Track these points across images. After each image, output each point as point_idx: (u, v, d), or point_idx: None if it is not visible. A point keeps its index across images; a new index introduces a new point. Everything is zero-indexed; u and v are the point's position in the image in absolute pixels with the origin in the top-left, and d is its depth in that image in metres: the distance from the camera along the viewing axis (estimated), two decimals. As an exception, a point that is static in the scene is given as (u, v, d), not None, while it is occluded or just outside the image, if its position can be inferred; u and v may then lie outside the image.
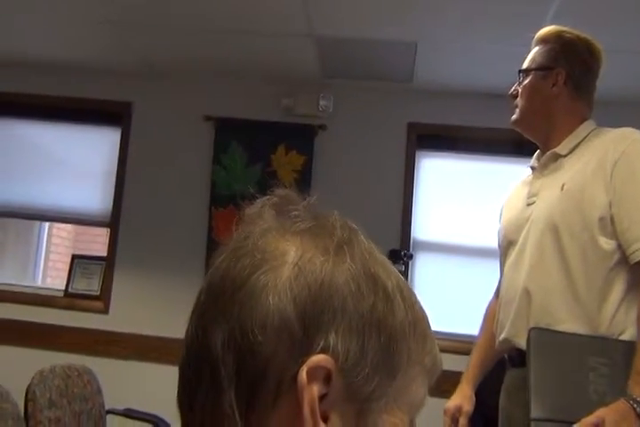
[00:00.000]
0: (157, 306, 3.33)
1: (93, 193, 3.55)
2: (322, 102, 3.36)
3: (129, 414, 2.50)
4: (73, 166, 3.59)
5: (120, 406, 2.54)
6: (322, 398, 0.40)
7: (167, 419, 2.50)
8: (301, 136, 3.39)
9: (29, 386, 2.14)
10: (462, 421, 1.64)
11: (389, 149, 3.35)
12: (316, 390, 0.39)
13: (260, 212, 0.48)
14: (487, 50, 2.81)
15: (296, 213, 0.47)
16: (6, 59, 3.54)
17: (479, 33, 2.66)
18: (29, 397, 2.12)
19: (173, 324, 3.44)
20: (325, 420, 0.40)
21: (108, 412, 2.47)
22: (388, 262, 0.47)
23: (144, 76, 3.54)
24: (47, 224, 4.39)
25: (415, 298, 0.47)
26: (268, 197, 0.50)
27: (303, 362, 0.40)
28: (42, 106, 3.61)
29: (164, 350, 3.24)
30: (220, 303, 0.43)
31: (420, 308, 0.47)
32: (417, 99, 3.36)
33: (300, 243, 0.44)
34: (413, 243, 3.27)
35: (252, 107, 3.45)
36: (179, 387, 0.46)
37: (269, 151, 3.38)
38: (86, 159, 3.59)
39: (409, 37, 2.79)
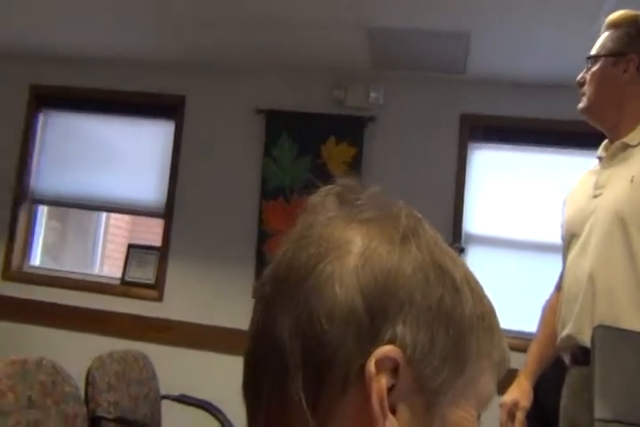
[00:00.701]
0: (209, 295, 3.41)
1: (149, 185, 3.65)
2: (372, 94, 3.34)
3: (183, 399, 2.57)
4: (129, 159, 3.69)
5: (174, 392, 2.61)
6: (389, 389, 0.40)
7: (219, 406, 2.55)
8: (352, 128, 3.38)
9: (89, 370, 2.24)
10: (520, 416, 1.61)
11: (441, 141, 3.31)
12: (384, 381, 0.39)
13: (324, 201, 0.48)
14: (542, 39, 2.73)
15: (360, 202, 0.46)
16: (65, 54, 3.67)
17: (534, 22, 2.58)
18: (89, 380, 2.22)
19: (225, 313, 3.55)
20: (393, 411, 0.40)
21: (163, 397, 2.55)
22: (455, 253, 0.47)
23: (197, 69, 3.60)
24: (105, 215, 4.55)
25: (483, 290, 0.46)
26: (330, 186, 0.49)
27: (371, 353, 0.40)
28: (100, 100, 3.72)
29: (215, 338, 3.31)
30: (286, 293, 0.43)
31: (488, 301, 0.46)
32: (470, 90, 3.30)
33: (365, 232, 0.44)
34: (465, 237, 3.23)
35: (303, 99, 3.46)
36: (244, 375, 0.47)
37: (319, 143, 3.39)
38: (142, 152, 3.69)
39: (462, 28, 2.73)
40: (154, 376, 2.52)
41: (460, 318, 0.43)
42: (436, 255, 0.44)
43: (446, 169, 3.25)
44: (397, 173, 3.26)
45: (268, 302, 0.45)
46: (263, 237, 3.37)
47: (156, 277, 3.51)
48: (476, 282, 0.46)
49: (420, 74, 3.32)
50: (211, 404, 2.52)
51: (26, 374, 1.94)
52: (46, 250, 4.01)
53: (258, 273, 3.32)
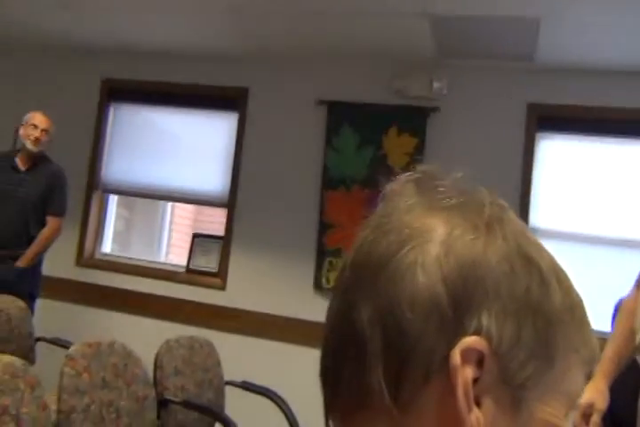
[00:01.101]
0: (270, 284, 3.46)
1: (213, 175, 3.73)
2: (435, 84, 3.29)
3: (246, 386, 2.62)
4: (194, 150, 3.78)
5: (236, 379, 2.67)
6: (474, 381, 0.39)
7: (279, 393, 2.60)
8: (414, 118, 3.34)
9: (157, 354, 2.32)
10: (595, 418, 1.54)
11: (507, 131, 3.22)
12: (469, 372, 0.38)
13: (404, 188, 0.47)
14: (615, 24, 2.61)
15: (442, 188, 0.45)
16: (135, 49, 3.78)
17: (607, 5, 2.47)
18: (158, 364, 2.30)
19: (285, 302, 3.60)
20: (477, 404, 0.39)
21: (227, 383, 2.61)
22: (541, 243, 0.45)
23: (259, 62, 3.64)
24: (170, 204, 4.69)
25: (571, 282, 0.44)
26: (410, 173, 0.48)
27: (455, 343, 0.39)
28: (166, 92, 3.82)
29: (277, 327, 3.37)
30: (366, 279, 0.43)
31: (577, 292, 0.44)
32: (538, 78, 3.20)
33: (447, 219, 0.43)
34: (531, 230, 3.14)
35: (364, 89, 3.44)
36: (322, 362, 0.46)
37: (381, 134, 3.37)
38: (206, 143, 3.77)
39: (531, 13, 2.64)
40: (218, 363, 2.59)
41: (547, 309, 0.41)
42: (523, 245, 0.43)
43: (512, 161, 3.17)
44: (461, 165, 3.19)
45: (347, 289, 0.44)
46: (323, 227, 3.39)
47: (219, 266, 3.60)
48: (565, 273, 0.44)
49: (485, 62, 3.24)
50: (272, 391, 2.56)
51: (100, 355, 2.04)
52: (116, 238, 4.18)
53: (318, 263, 3.35)
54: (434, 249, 0.41)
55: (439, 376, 0.39)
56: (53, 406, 1.83)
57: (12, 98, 4.17)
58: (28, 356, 2.71)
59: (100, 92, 3.96)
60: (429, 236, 0.42)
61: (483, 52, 3.12)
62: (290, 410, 2.48)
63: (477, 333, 0.39)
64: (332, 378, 0.45)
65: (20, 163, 3.29)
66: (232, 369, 2.72)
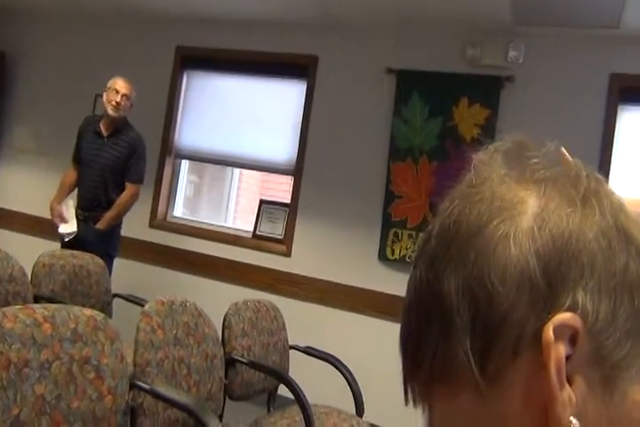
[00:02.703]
0: (335, 253, 3.51)
1: (280, 143, 3.77)
2: (511, 52, 3.17)
3: (309, 351, 2.69)
4: (263, 118, 3.82)
5: (299, 344, 2.75)
6: (566, 359, 0.38)
7: (342, 360, 2.66)
8: (486, 88, 3.24)
9: (226, 315, 2.42)
10: None
11: (587, 103, 3.08)
12: (562, 349, 0.37)
13: (492, 158, 0.45)
14: None
15: (535, 160, 0.43)
16: (207, 17, 3.82)
17: None
18: (226, 324, 2.40)
19: (349, 272, 3.63)
20: (569, 382, 0.38)
21: (291, 347, 2.70)
22: (639, 218, 0.43)
23: (329, 30, 3.61)
24: (238, 171, 4.78)
25: None
26: (499, 142, 0.46)
27: (548, 318, 0.38)
28: (237, 60, 3.86)
29: (340, 295, 3.43)
30: (454, 249, 0.41)
31: None
32: (623, 47, 3.02)
33: (541, 192, 0.41)
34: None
35: (436, 58, 3.36)
36: (403, 333, 0.46)
37: (451, 104, 3.29)
38: (275, 111, 3.80)
39: (621, -23, 2.49)
40: (284, 327, 2.67)
41: None
42: (621, 220, 0.41)
43: (592, 134, 3.03)
44: (536, 139, 3.09)
45: (432, 259, 0.43)
46: (390, 198, 3.38)
47: (285, 233, 3.67)
48: None
49: (565, 30, 3.09)
50: (335, 358, 2.62)
51: (172, 314, 2.15)
52: (186, 202, 4.32)
53: (383, 234, 3.36)
54: (527, 222, 0.40)
55: (529, 351, 0.39)
56: (129, 359, 1.95)
57: (92, 66, 4.32)
58: (106, 311, 2.88)
59: (173, 60, 4.04)
60: (522, 208, 0.41)
61: (562, 18, 2.97)
62: (352, 376, 2.54)
63: (572, 309, 0.38)
64: (413, 348, 0.44)
65: (102, 128, 3.39)
66: (295, 334, 2.80)
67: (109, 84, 3.39)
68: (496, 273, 0.39)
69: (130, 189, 3.35)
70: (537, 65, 3.17)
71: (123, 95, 3.34)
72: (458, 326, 0.40)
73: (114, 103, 3.30)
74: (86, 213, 3.32)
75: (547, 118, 3.11)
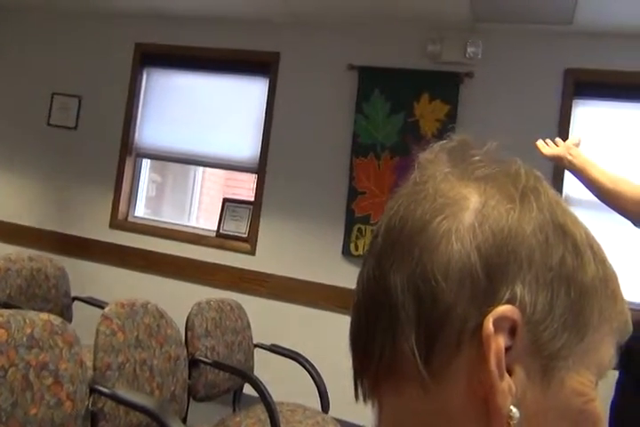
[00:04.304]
0: (299, 250, 3.51)
1: (243, 140, 3.74)
2: (470, 48, 3.20)
3: (274, 349, 2.69)
4: (225, 115, 3.79)
5: (264, 342, 2.74)
6: (506, 350, 0.39)
7: (307, 357, 2.66)
8: (446, 84, 3.28)
9: (189, 316, 2.39)
10: None
11: (543, 97, 3.14)
12: (502, 340, 0.39)
13: (437, 156, 0.46)
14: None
15: (477, 158, 0.45)
16: (166, 13, 3.76)
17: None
18: (189, 325, 2.37)
19: (314, 268, 3.64)
20: (509, 373, 0.39)
21: (256, 345, 2.68)
22: (575, 214, 0.44)
23: (291, 26, 3.59)
24: (201, 169, 4.73)
25: (605, 254, 0.44)
26: (443, 141, 0.47)
27: (488, 312, 0.39)
28: (198, 57, 3.81)
29: (305, 292, 3.43)
30: (399, 247, 0.42)
31: (610, 264, 0.44)
32: (576, 42, 3.09)
33: (482, 189, 0.42)
34: (565, 199, 3.09)
35: (396, 54, 3.38)
36: (353, 327, 0.47)
37: (412, 100, 3.32)
38: (237, 108, 3.77)
39: (573, -26, 2.54)
40: (248, 326, 2.65)
41: (581, 280, 0.41)
42: (557, 215, 0.42)
43: (548, 128, 3.09)
44: (495, 132, 3.12)
45: (379, 255, 0.44)
46: (353, 194, 3.39)
47: (249, 231, 3.65)
48: (598, 245, 0.44)
49: (522, 26, 3.14)
50: (300, 355, 2.62)
51: (134, 316, 2.11)
52: (148, 202, 4.25)
53: (347, 230, 3.37)
54: (468, 218, 0.41)
55: (471, 344, 0.39)
56: (89, 363, 1.91)
57: (47, 62, 4.22)
58: (65, 314, 2.82)
59: (132, 57, 3.97)
60: (464, 205, 0.42)
61: (519, 15, 3.02)
62: (318, 373, 2.55)
63: (511, 302, 0.39)
64: (362, 344, 0.45)
65: None
66: (260, 332, 2.79)
67: None
68: (439, 269, 0.40)
69: None
70: (495, 61, 3.22)
71: None
72: (403, 321, 0.41)
73: None
74: None
75: (505, 113, 3.16)
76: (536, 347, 0.40)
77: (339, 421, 2.49)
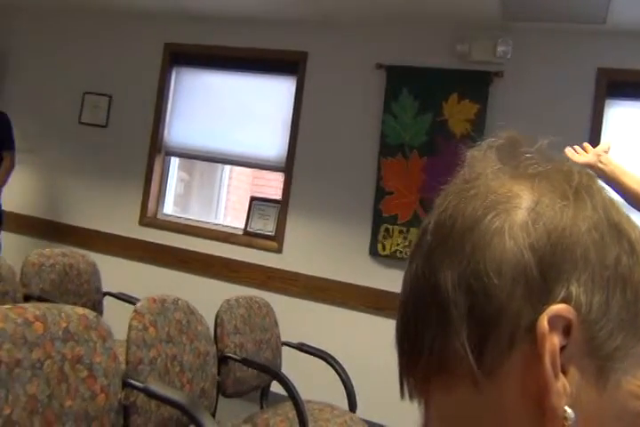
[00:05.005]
0: (326, 249, 3.51)
1: (271, 139, 3.76)
2: (500, 48, 3.18)
3: (302, 348, 2.69)
4: (253, 114, 3.81)
5: (292, 340, 2.75)
6: (561, 349, 0.38)
7: (334, 356, 2.66)
8: (476, 84, 3.26)
9: (218, 313, 2.41)
10: None
11: (575, 97, 3.10)
12: (556, 339, 0.38)
13: (486, 154, 0.46)
14: None
15: (528, 155, 0.45)
16: (196, 13, 3.80)
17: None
18: (218, 322, 2.39)
19: (340, 268, 3.64)
20: (564, 373, 0.39)
21: (283, 344, 2.69)
22: (629, 214, 0.44)
23: (319, 26, 3.60)
24: (228, 168, 4.77)
25: None
26: (492, 138, 0.47)
27: (543, 310, 0.39)
28: (226, 56, 3.84)
29: (331, 291, 3.44)
30: (450, 243, 0.42)
31: None
32: (609, 41, 3.04)
33: (535, 186, 0.42)
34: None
35: (425, 54, 3.37)
36: (399, 327, 0.47)
37: (441, 100, 3.30)
38: (265, 107, 3.79)
39: (608, -28, 2.51)
40: (276, 324, 2.67)
41: (637, 280, 0.40)
42: (612, 214, 0.42)
43: (579, 129, 3.06)
44: (525, 132, 3.10)
45: (428, 253, 0.44)
46: (380, 194, 3.38)
47: (276, 230, 3.66)
48: None
49: (554, 25, 3.10)
50: (328, 354, 2.62)
51: (165, 311, 2.14)
52: (176, 199, 4.30)
53: (374, 230, 3.37)
54: (521, 216, 0.41)
55: (525, 343, 0.39)
56: (121, 358, 1.94)
57: (79, 62, 4.29)
58: (97, 309, 2.87)
59: (162, 57, 4.02)
60: (516, 202, 0.41)
61: (550, 14, 2.99)
62: (345, 372, 2.55)
63: (566, 301, 0.39)
64: (410, 342, 0.45)
65: None
66: (287, 331, 2.81)
67: None
68: (492, 266, 0.40)
69: (9, 156, 3.82)
70: (525, 60, 3.19)
71: None
72: (454, 318, 0.41)
73: None
74: None
75: (535, 113, 3.13)
76: (591, 347, 0.39)
77: (366, 421, 2.49)
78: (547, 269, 0.39)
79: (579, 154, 1.97)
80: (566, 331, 0.39)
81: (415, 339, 0.44)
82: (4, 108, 4.05)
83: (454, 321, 0.41)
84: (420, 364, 0.44)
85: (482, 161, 0.46)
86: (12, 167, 3.88)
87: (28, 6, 4.38)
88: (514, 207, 0.41)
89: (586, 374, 0.39)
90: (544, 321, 0.38)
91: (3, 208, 3.90)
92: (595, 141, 3.05)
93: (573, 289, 0.39)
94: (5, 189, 3.91)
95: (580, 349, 0.39)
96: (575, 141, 3.03)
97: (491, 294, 0.40)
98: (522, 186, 0.42)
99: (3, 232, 3.89)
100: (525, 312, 0.39)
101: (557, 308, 0.39)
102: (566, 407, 0.38)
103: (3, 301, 2.36)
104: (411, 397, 0.47)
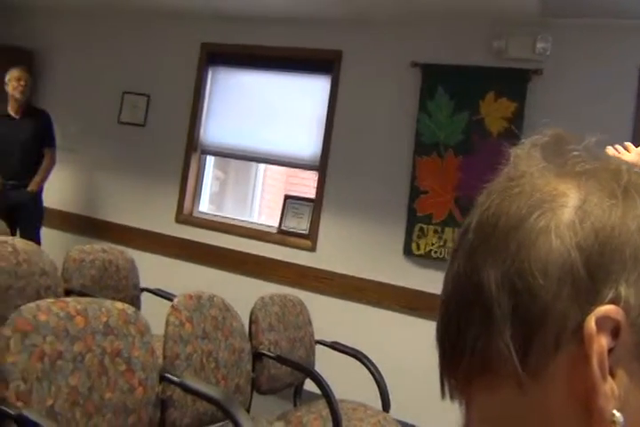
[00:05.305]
0: (360, 248, 3.51)
1: (305, 138, 3.78)
2: (539, 44, 3.12)
3: (335, 346, 2.69)
4: (287, 112, 3.83)
5: (325, 339, 2.76)
6: (609, 352, 0.38)
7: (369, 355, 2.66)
8: (513, 82, 3.20)
9: (253, 310, 2.43)
10: None
11: (617, 95, 3.02)
12: (604, 341, 0.37)
13: (530, 152, 0.45)
14: None
15: (575, 153, 0.43)
16: (231, 13, 3.84)
17: None
18: (253, 319, 2.42)
19: (373, 267, 3.62)
20: (612, 375, 0.38)
21: (317, 342, 2.70)
22: None
23: (353, 24, 3.60)
24: (263, 166, 4.80)
25: None
26: (537, 136, 0.46)
27: (590, 311, 0.38)
28: (261, 56, 3.87)
29: (365, 290, 3.43)
30: (494, 242, 0.42)
31: None
32: (653, 37, 2.96)
33: (582, 185, 0.41)
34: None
35: (461, 51, 3.33)
36: (440, 326, 0.46)
37: (478, 98, 3.26)
38: (300, 106, 3.81)
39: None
40: (309, 322, 2.68)
41: None
42: None
43: (622, 127, 2.97)
44: (574, 132, 3.04)
45: (472, 251, 0.43)
46: (415, 193, 3.36)
47: (310, 228, 3.67)
48: None
49: (594, 20, 3.03)
50: (361, 353, 2.62)
51: (201, 308, 2.17)
52: (212, 197, 4.36)
53: (408, 229, 3.35)
54: (568, 215, 0.40)
55: (571, 344, 0.39)
56: (158, 352, 1.98)
57: (118, 62, 4.38)
58: (135, 305, 2.92)
59: (199, 57, 4.07)
60: (562, 201, 0.41)
61: (591, 9, 2.92)
62: (379, 372, 2.54)
63: (614, 302, 0.38)
64: (452, 342, 0.45)
65: (12, 112, 3.93)
66: (320, 329, 2.81)
67: (9, 76, 3.89)
68: (537, 265, 0.39)
69: (50, 153, 3.97)
70: (566, 57, 3.12)
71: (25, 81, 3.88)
72: (498, 318, 0.40)
73: (20, 88, 3.84)
74: (15, 181, 3.85)
75: (575, 111, 3.06)
76: None
77: (399, 422, 2.48)
78: (594, 270, 0.39)
79: (620, 153, 1.92)
80: (614, 333, 0.38)
81: (457, 339, 0.44)
82: (45, 107, 4.16)
83: (498, 321, 0.40)
84: (462, 364, 0.43)
85: (526, 159, 0.45)
86: (52, 164, 4.00)
87: (70, 8, 4.49)
88: (560, 206, 0.41)
89: (635, 377, 0.38)
90: (592, 322, 0.38)
91: (44, 205, 4.01)
92: (637, 141, 2.97)
93: (622, 290, 0.38)
94: (47, 186, 4.02)
95: (628, 352, 0.38)
96: (617, 141, 2.96)
97: (536, 294, 0.39)
98: (568, 184, 0.42)
99: (44, 228, 4.00)
100: (572, 313, 0.38)
101: (606, 309, 0.38)
102: (615, 411, 0.37)
103: (45, 295, 2.43)
104: (451, 397, 0.46)
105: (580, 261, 0.39)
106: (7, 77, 3.85)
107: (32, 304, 1.66)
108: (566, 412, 0.39)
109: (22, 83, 3.84)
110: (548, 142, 0.46)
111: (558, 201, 0.41)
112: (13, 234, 3.57)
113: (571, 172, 0.42)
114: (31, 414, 1.48)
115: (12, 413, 1.48)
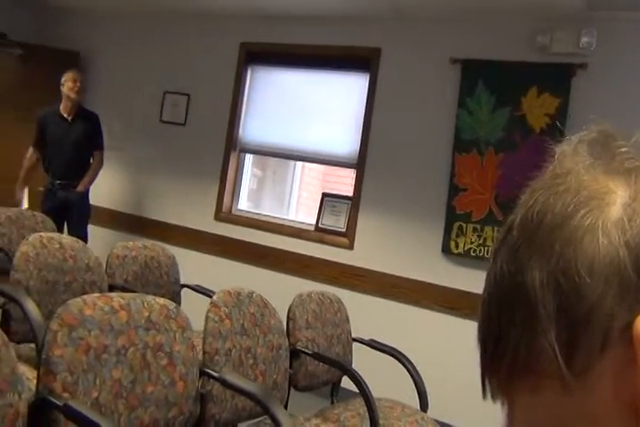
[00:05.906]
0: (397, 246, 3.49)
1: (343, 136, 3.78)
2: (583, 39, 3.05)
3: (373, 344, 2.69)
4: (326, 110, 3.84)
5: (362, 336, 2.76)
6: None
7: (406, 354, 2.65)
8: (557, 77, 3.13)
9: (290, 307, 2.45)
10: None
11: (665, 90, 2.93)
12: None
13: (576, 148, 0.44)
14: None
15: (624, 149, 0.42)
16: (270, 13, 3.86)
17: None
18: (290, 316, 2.43)
19: (411, 265, 3.59)
20: None
21: (354, 340, 2.71)
22: None
23: (391, 21, 3.57)
24: (300, 164, 4.82)
25: None
26: (583, 132, 0.45)
27: (639, 311, 0.37)
28: (300, 54, 3.89)
29: (403, 288, 3.41)
30: (538, 240, 0.41)
31: None
32: None
33: (631, 182, 0.40)
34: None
35: (502, 46, 3.27)
36: (482, 326, 0.45)
37: (519, 95, 3.20)
38: (338, 104, 3.81)
39: None
40: (347, 319, 2.68)
41: None
42: None
43: (670, 123, 2.88)
44: (622, 128, 2.97)
45: (515, 249, 0.43)
46: (454, 190, 3.32)
47: (347, 226, 3.68)
48: None
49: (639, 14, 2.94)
50: (399, 352, 2.61)
51: (240, 304, 2.20)
52: (250, 195, 4.40)
53: (447, 227, 3.32)
54: (616, 212, 0.39)
55: (619, 344, 0.38)
56: (198, 348, 2.01)
57: (160, 63, 4.46)
58: (175, 300, 2.98)
59: (238, 56, 4.11)
60: (610, 198, 0.40)
61: (636, 2, 2.84)
62: (417, 371, 2.53)
63: None
64: (493, 341, 0.44)
65: (64, 113, 4.01)
66: (358, 327, 2.81)
67: (65, 77, 3.96)
68: (583, 264, 0.39)
69: (99, 155, 4.09)
70: (611, 51, 3.04)
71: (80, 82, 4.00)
72: (542, 318, 0.40)
73: (76, 89, 3.95)
74: (64, 181, 3.96)
75: (622, 106, 2.97)
76: None
77: (437, 422, 2.46)
78: None
79: None
80: None
81: (499, 338, 0.43)
82: (90, 107, 4.26)
83: (542, 320, 0.40)
84: (504, 364, 0.43)
85: (572, 156, 0.44)
86: (100, 166, 4.13)
87: (112, 10, 4.59)
88: (608, 204, 0.40)
89: None
90: None
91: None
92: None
93: None
94: (93, 184, 4.13)
95: None
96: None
97: (582, 293, 0.38)
98: (616, 181, 0.41)
99: (91, 226, 4.11)
100: (620, 313, 0.37)
101: None
102: None
103: (90, 290, 2.49)
104: (493, 398, 0.46)
105: (628, 259, 0.38)
106: (63, 79, 3.97)
107: (78, 299, 1.71)
108: (613, 414, 0.38)
109: (78, 84, 3.97)
110: (595, 138, 0.44)
111: (606, 199, 0.40)
112: (61, 232, 3.68)
113: (619, 168, 0.41)
114: (77, 405, 1.53)
115: (59, 403, 1.53)
